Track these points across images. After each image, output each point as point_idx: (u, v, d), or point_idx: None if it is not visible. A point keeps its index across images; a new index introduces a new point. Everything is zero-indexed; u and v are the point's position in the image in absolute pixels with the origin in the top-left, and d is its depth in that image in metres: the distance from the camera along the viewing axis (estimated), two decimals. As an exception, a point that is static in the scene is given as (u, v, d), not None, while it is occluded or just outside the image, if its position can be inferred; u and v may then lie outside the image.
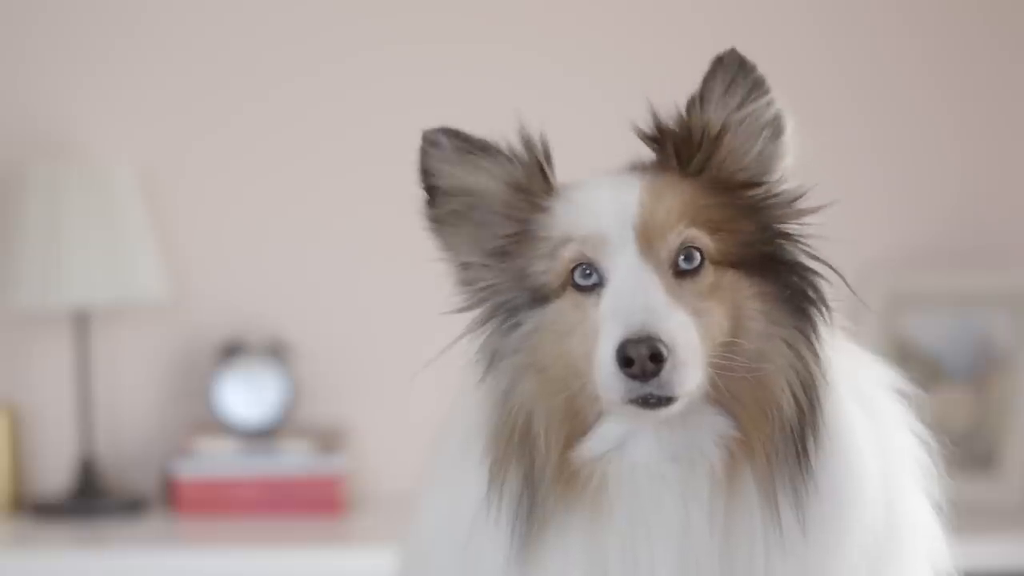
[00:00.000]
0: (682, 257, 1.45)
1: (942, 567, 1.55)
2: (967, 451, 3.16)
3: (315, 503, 3.18)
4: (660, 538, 1.44)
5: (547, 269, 1.47)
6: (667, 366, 1.38)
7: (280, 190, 3.34)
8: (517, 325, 1.48)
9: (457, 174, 1.51)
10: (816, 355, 1.46)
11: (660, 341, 1.38)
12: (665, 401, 1.40)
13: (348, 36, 3.35)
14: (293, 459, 3.20)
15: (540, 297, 1.48)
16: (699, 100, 1.48)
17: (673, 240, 1.45)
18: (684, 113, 1.49)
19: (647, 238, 1.45)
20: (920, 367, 3.22)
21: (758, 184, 1.49)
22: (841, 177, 3.39)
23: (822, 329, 1.47)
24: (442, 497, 1.53)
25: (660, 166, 1.51)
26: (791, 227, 1.48)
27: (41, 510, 3.20)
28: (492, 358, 1.49)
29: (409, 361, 3.66)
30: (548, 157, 1.51)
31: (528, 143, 1.50)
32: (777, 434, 1.44)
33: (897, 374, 1.56)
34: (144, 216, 3.22)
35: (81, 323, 3.24)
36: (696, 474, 1.45)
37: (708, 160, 1.48)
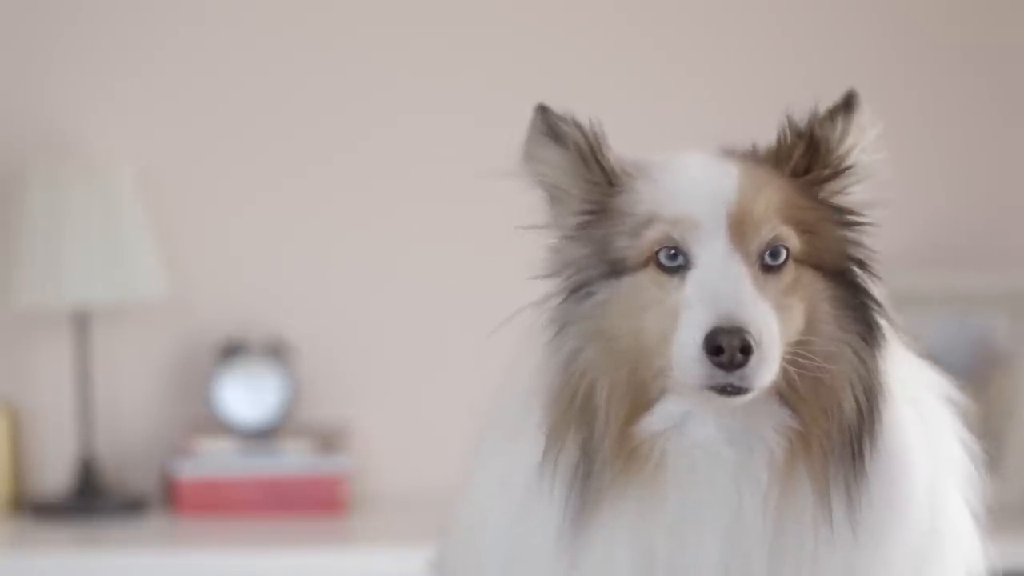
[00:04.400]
0: (768, 253, 1.46)
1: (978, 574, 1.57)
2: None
3: (316, 503, 3.18)
4: (710, 520, 1.45)
5: (629, 245, 1.47)
6: (754, 359, 1.39)
7: (280, 190, 3.34)
8: (590, 294, 1.48)
9: (538, 156, 1.52)
10: (879, 364, 1.47)
11: (749, 333, 1.39)
12: (743, 391, 1.41)
13: (348, 33, 3.34)
14: (293, 459, 3.20)
15: (618, 270, 1.48)
16: (842, 125, 1.52)
17: (766, 233, 1.46)
18: (828, 130, 1.52)
19: (740, 227, 1.45)
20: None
21: (848, 210, 1.52)
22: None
23: (886, 341, 1.49)
24: (496, 461, 1.53)
25: (755, 157, 1.52)
26: (865, 256, 1.52)
27: (41, 510, 3.20)
28: (561, 325, 1.48)
29: (409, 361, 3.67)
30: (604, 149, 1.51)
31: (583, 142, 1.51)
32: (835, 433, 1.45)
33: (947, 380, 1.58)
34: (144, 216, 3.22)
35: (81, 323, 3.24)
36: (754, 460, 1.46)
37: (827, 180, 1.51)
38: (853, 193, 1.52)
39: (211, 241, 3.34)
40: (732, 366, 1.39)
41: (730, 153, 1.53)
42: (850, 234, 1.51)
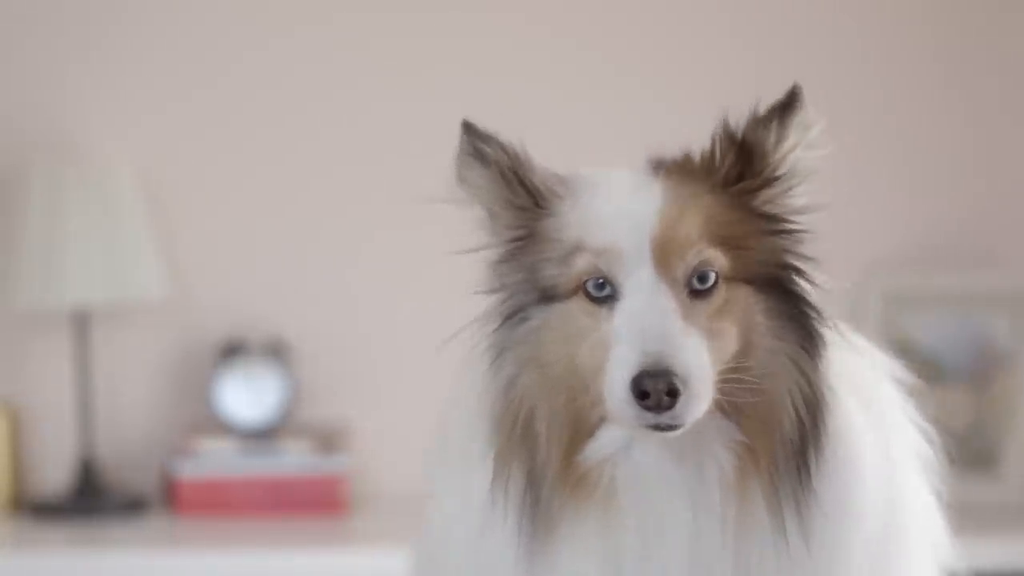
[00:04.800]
0: (697, 277, 1.43)
1: (945, 561, 1.55)
2: (967, 451, 3.16)
3: (316, 503, 3.18)
4: (671, 542, 1.44)
5: (559, 273, 1.46)
6: (681, 400, 1.38)
7: (280, 190, 3.34)
8: (524, 320, 1.47)
9: (467, 177, 1.51)
10: (819, 372, 1.45)
11: (676, 376, 1.37)
12: (675, 427, 1.40)
13: (348, 32, 3.34)
14: (293, 459, 3.20)
15: (549, 297, 1.46)
16: (778, 128, 1.47)
17: (692, 259, 1.43)
18: (763, 135, 1.47)
19: (664, 254, 1.43)
20: (920, 367, 3.22)
21: (784, 219, 1.48)
22: (841, 177, 3.39)
23: (826, 345, 1.46)
24: (454, 483, 1.53)
25: (683, 170, 1.48)
26: (800, 262, 1.47)
27: (41, 510, 3.20)
28: (498, 350, 1.48)
29: (410, 361, 3.68)
30: (529, 171, 1.49)
31: (508, 163, 1.49)
32: (779, 448, 1.44)
33: (900, 365, 1.56)
34: (144, 216, 3.22)
35: (81, 323, 3.24)
36: (705, 480, 1.45)
37: (759, 189, 1.47)
38: (794, 196, 1.48)
39: (211, 241, 3.34)
40: (659, 408, 1.38)
41: (660, 165, 1.50)
42: (784, 242, 1.47)
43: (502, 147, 1.49)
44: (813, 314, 1.46)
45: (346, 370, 3.34)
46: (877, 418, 1.50)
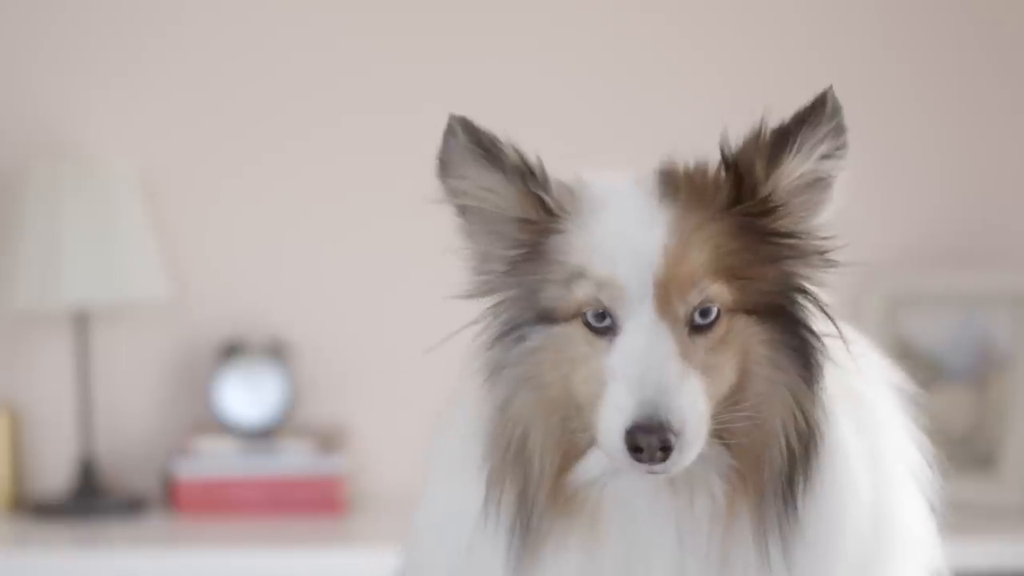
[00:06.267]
0: (699, 313, 1.41)
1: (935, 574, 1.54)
2: (967, 451, 3.16)
3: (315, 503, 3.18)
4: (657, 566, 1.43)
5: (559, 297, 1.43)
6: (675, 453, 1.36)
7: (281, 190, 3.34)
8: (522, 339, 1.44)
9: (468, 175, 1.46)
10: (816, 402, 1.43)
11: (671, 430, 1.35)
12: (666, 471, 1.38)
13: (348, 28, 3.35)
14: (293, 459, 3.20)
15: (548, 318, 1.44)
16: (789, 144, 1.42)
17: (694, 298, 1.40)
18: (767, 153, 1.42)
19: (667, 293, 1.40)
20: (920, 367, 3.22)
21: (794, 236, 1.44)
22: (841, 178, 3.39)
23: (825, 377, 1.43)
24: (443, 498, 1.52)
25: (690, 193, 1.43)
26: (810, 282, 1.44)
27: (41, 510, 3.20)
28: (494, 368, 1.46)
29: (409, 361, 3.67)
30: (546, 186, 1.45)
31: (525, 173, 1.44)
32: (767, 476, 1.42)
33: (899, 372, 1.55)
34: (144, 216, 3.22)
35: (81, 323, 3.24)
36: (695, 503, 1.43)
37: (766, 213, 1.43)
38: (806, 213, 1.44)
39: (211, 241, 3.34)
40: (652, 461, 1.36)
41: (668, 181, 1.45)
42: (792, 265, 1.43)
43: (521, 156, 1.45)
44: (815, 342, 1.43)
45: (346, 370, 3.35)
46: (872, 435, 1.48)
